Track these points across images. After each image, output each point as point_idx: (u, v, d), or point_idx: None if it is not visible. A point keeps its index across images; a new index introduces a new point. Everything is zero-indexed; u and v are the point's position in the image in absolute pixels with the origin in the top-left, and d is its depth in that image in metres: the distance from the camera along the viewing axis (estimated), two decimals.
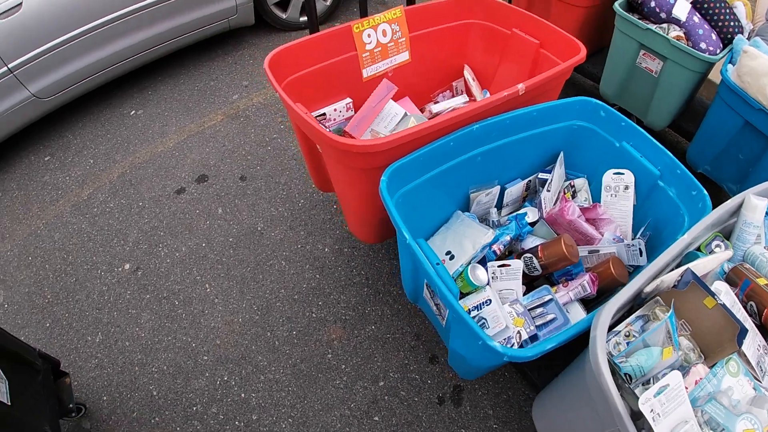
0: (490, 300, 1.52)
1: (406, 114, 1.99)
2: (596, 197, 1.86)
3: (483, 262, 1.64)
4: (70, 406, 1.98)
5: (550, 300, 1.59)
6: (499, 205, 1.89)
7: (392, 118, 1.99)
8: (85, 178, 2.96)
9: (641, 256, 1.65)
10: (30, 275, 2.64)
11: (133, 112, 3.14)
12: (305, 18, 3.65)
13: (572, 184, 1.90)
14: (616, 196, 1.78)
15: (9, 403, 1.54)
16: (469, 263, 1.59)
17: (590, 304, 1.67)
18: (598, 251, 1.70)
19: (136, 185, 2.79)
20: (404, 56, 2.12)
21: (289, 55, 1.89)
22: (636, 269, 1.69)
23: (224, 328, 2.16)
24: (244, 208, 2.53)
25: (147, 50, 3.15)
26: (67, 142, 3.22)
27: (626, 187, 1.76)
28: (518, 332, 1.50)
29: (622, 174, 1.74)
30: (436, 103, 2.24)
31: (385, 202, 1.41)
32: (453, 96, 2.32)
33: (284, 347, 2.08)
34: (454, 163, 1.64)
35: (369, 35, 1.99)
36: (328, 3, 3.67)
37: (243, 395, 2.00)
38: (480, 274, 1.56)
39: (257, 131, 2.93)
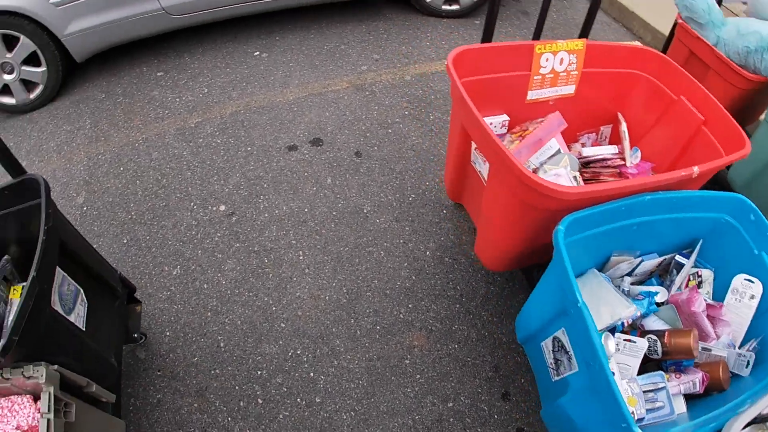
0: (613, 373, 1.48)
1: (559, 150, 1.94)
2: (716, 293, 1.81)
3: (611, 331, 1.61)
4: (135, 335, 1.98)
5: (663, 388, 1.55)
6: (629, 273, 1.85)
7: (545, 150, 1.94)
8: (196, 105, 2.94)
9: (746, 367, 1.61)
10: (118, 185, 2.63)
11: (258, 53, 3.09)
12: (447, 7, 3.52)
13: (699, 273, 1.85)
14: (740, 301, 1.73)
15: (83, 329, 1.52)
16: (603, 331, 1.55)
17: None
18: (710, 350, 1.66)
19: (248, 128, 2.75)
20: (570, 89, 2.06)
21: (469, 58, 1.85)
22: (734, 377, 1.66)
23: (309, 302, 2.14)
24: (354, 186, 2.50)
25: None
26: (184, 64, 3.19)
27: (752, 297, 1.71)
28: (632, 412, 1.46)
29: (753, 282, 1.69)
30: (582, 145, 2.18)
31: (559, 251, 1.38)
32: (597, 139, 2.26)
33: (364, 339, 2.06)
34: (615, 226, 1.60)
35: (547, 59, 1.94)
36: None
37: (312, 374, 1.98)
38: (610, 345, 1.52)
39: (381, 110, 2.88)
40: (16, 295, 1.73)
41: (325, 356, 2.02)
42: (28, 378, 1.22)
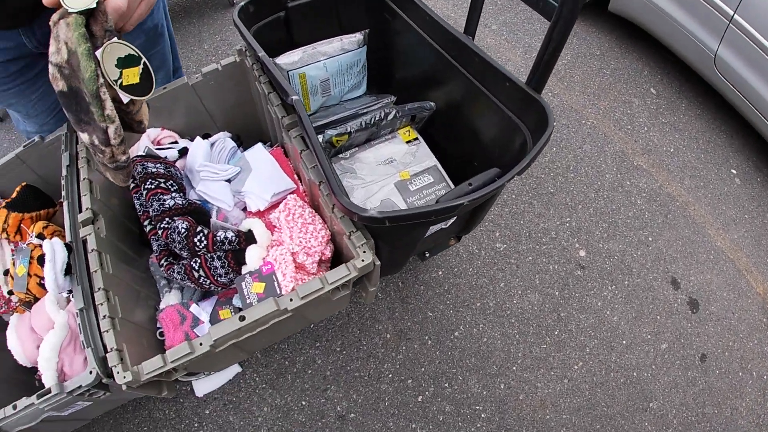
0: None
1: None
2: None
3: None
4: (427, 254, 1.96)
5: None
6: None
7: None
8: (651, 152, 2.69)
9: None
10: None
11: (734, 172, 2.70)
12: None
13: None
14: None
15: (423, 237, 1.48)
16: None
17: None
18: None
19: (667, 224, 2.45)
20: None
21: None
22: None
23: (534, 399, 1.97)
24: (679, 382, 2.09)
25: None
26: (676, 106, 2.91)
27: None
28: None
29: None
30: None
31: None
32: None
33: None
34: None
35: None
36: None
37: None
38: None
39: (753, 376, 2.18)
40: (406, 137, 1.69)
41: None
42: (353, 244, 1.22)
